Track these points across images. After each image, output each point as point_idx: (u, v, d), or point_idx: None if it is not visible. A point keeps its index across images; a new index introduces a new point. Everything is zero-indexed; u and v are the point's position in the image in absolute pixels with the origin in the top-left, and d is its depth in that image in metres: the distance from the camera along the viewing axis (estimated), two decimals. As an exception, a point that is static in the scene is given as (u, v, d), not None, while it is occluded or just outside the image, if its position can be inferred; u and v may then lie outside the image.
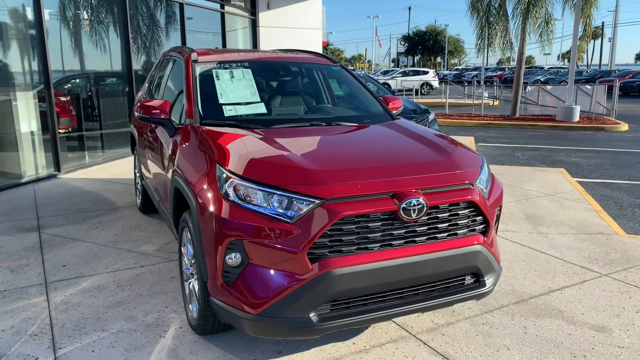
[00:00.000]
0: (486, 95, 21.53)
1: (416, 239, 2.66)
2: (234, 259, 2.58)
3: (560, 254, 4.52)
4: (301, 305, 2.50)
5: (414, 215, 2.58)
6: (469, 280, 2.92)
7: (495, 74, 43.25)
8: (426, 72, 32.18)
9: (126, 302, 3.56)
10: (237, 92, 3.80)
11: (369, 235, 2.55)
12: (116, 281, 3.90)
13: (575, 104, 15.92)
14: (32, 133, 7.45)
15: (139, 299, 3.60)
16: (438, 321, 3.33)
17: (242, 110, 3.66)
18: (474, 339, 3.13)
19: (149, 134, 4.50)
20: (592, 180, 7.90)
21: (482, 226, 2.89)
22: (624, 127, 14.69)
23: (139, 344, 3.03)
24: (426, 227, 2.68)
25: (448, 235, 2.75)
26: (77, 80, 9.13)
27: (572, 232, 5.13)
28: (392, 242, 2.61)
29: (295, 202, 2.51)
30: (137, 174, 5.71)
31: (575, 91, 16.62)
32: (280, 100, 4.08)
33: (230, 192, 2.62)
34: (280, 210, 2.52)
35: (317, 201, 2.49)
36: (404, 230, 2.62)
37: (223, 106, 3.64)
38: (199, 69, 3.91)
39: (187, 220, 3.02)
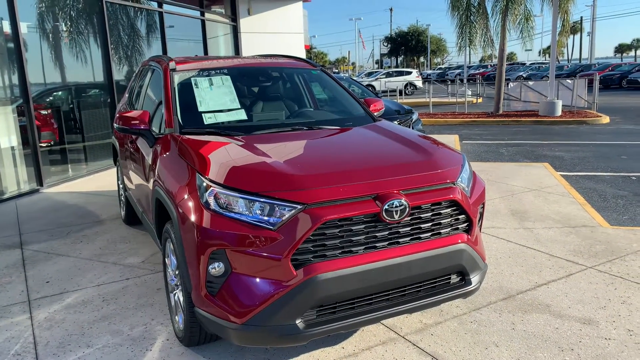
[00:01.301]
0: (469, 93, 21.68)
1: (400, 240, 2.65)
2: (217, 268, 2.55)
3: (546, 249, 4.55)
4: (287, 313, 2.48)
5: (396, 217, 2.58)
6: (454, 279, 2.92)
7: (477, 71, 43.61)
8: (409, 73, 32.35)
9: (112, 316, 3.51)
10: (217, 99, 3.78)
11: (353, 239, 2.54)
12: (101, 295, 3.85)
13: (557, 99, 16.08)
14: (12, 148, 7.34)
15: (124, 313, 3.55)
16: (426, 321, 3.33)
17: (222, 118, 3.64)
18: (462, 338, 3.13)
19: (129, 144, 4.45)
20: (575, 173, 7.97)
21: (465, 224, 2.90)
22: (605, 119, 14.88)
23: (125, 359, 2.98)
24: (409, 228, 2.67)
25: (431, 235, 2.75)
26: (58, 93, 9.03)
27: (557, 226, 5.17)
28: (376, 245, 2.60)
29: (277, 209, 2.49)
30: (121, 186, 5.65)
31: (557, 86, 16.80)
32: (261, 106, 4.06)
33: (211, 201, 2.59)
34: (262, 217, 2.50)
35: (298, 206, 2.47)
36: (387, 232, 2.61)
37: (203, 114, 3.62)
38: (177, 78, 3.88)
39: (170, 231, 2.99)
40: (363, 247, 2.57)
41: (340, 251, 2.53)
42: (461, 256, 2.84)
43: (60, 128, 8.60)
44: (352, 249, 2.55)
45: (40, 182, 7.49)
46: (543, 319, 3.33)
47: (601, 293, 3.67)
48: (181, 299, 3.01)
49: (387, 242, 2.62)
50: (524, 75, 36.69)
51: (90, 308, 3.64)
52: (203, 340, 2.99)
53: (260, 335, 2.53)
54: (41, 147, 7.65)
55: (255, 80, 4.33)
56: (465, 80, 25.29)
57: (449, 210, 2.80)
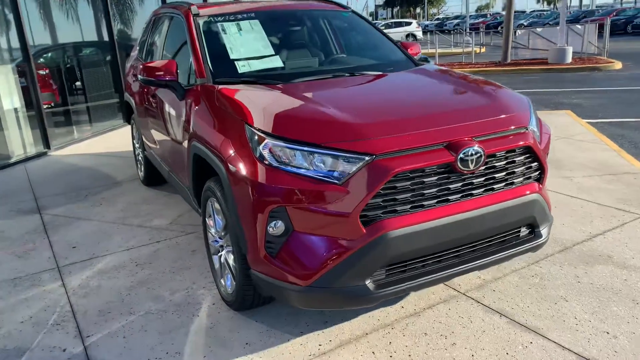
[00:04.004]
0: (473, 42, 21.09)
1: (473, 191, 2.43)
2: (276, 227, 2.33)
3: (592, 197, 4.35)
4: (356, 273, 2.28)
5: (471, 166, 2.34)
6: (524, 232, 2.72)
7: (478, 21, 42.55)
8: (409, 24, 31.55)
9: (149, 281, 3.32)
10: (248, 45, 3.47)
11: (425, 192, 2.31)
12: (133, 260, 3.65)
13: (567, 45, 15.64)
14: (15, 110, 7.00)
15: (162, 277, 3.36)
16: (485, 277, 3.15)
17: (257, 65, 3.34)
18: (527, 293, 2.95)
19: (151, 99, 4.15)
20: (600, 120, 7.72)
21: (537, 173, 2.67)
22: (618, 65, 14.50)
23: (172, 326, 2.80)
24: (483, 178, 2.44)
25: (505, 185, 2.53)
26: (56, 52, 8.60)
27: (597, 174, 4.96)
28: (449, 197, 2.37)
29: (342, 161, 2.25)
30: (137, 145, 5.38)
31: (566, 32, 16.31)
32: (294, 52, 3.74)
33: (266, 154, 2.34)
34: (326, 171, 2.26)
35: (366, 158, 2.23)
36: (460, 184, 2.38)
37: (235, 62, 3.31)
38: (202, 24, 3.55)
39: (214, 190, 2.75)
40: (435, 200, 2.34)
41: (411, 205, 2.30)
42: (534, 207, 2.62)
43: (62, 88, 8.23)
44: (424, 203, 2.32)
45: (47, 145, 7.19)
46: (608, 270, 3.16)
47: (662, 242, 3.50)
48: (230, 260, 2.81)
49: (460, 195, 2.40)
50: (525, 24, 35.80)
51: (125, 273, 3.44)
52: (256, 304, 2.81)
53: (326, 297, 2.33)
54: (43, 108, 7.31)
55: (285, 25, 3.99)
56: (467, 30, 24.62)
57: (522, 157, 2.57)
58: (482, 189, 2.45)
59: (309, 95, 2.76)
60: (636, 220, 3.85)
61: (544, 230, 2.75)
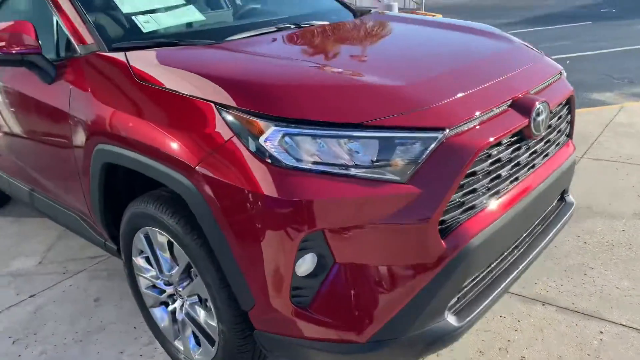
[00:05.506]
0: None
1: (535, 161, 1.86)
2: (305, 264, 1.48)
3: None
4: (434, 308, 1.55)
5: (542, 128, 1.75)
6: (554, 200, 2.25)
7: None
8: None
9: (46, 365, 2.17)
10: (142, -7, 2.37)
11: (501, 172, 1.66)
12: (5, 333, 2.39)
13: (393, 1, 16.15)
14: None
15: (66, 354, 2.22)
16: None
17: (167, 21, 2.28)
18: (547, 267, 2.54)
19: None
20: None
21: (569, 127, 2.20)
22: (439, 17, 15.43)
23: None
24: (543, 142, 1.88)
25: (555, 147, 2.01)
26: None
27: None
28: (518, 174, 1.76)
29: (400, 146, 1.46)
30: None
31: (389, -12, 16.83)
32: (192, 3, 2.71)
33: (272, 149, 1.44)
34: (378, 165, 1.45)
35: (438, 135, 1.48)
36: (527, 154, 1.79)
37: (133, 18, 2.22)
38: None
39: (157, 215, 1.74)
40: (509, 181, 1.71)
41: (489, 195, 1.63)
42: (574, 168, 2.17)
43: None
44: (499, 187, 1.67)
45: None
46: (600, 223, 2.90)
47: (615, 183, 3.39)
48: (198, 317, 1.86)
49: (526, 168, 1.80)
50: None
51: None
52: (249, 371, 1.92)
53: (396, 352, 1.56)
54: None
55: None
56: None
57: (565, 110, 2.07)
58: (542, 156, 1.90)
59: (291, 55, 1.89)
60: (581, 161, 3.74)
61: (570, 195, 2.33)
